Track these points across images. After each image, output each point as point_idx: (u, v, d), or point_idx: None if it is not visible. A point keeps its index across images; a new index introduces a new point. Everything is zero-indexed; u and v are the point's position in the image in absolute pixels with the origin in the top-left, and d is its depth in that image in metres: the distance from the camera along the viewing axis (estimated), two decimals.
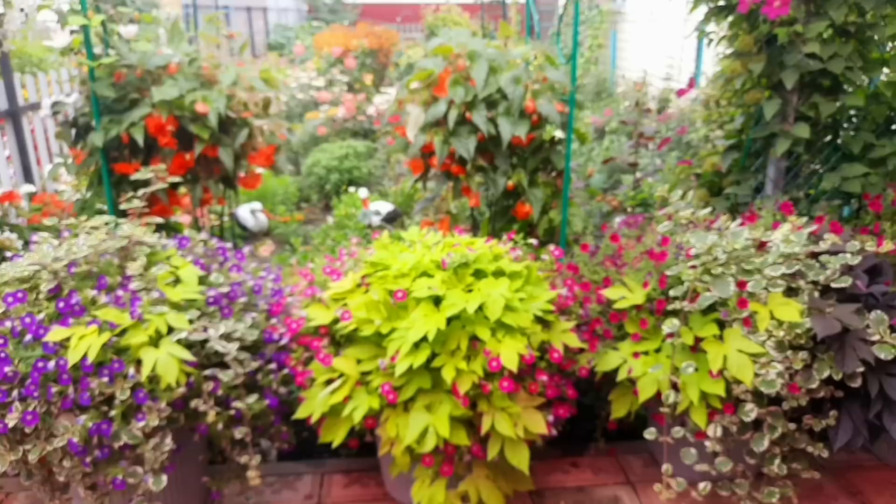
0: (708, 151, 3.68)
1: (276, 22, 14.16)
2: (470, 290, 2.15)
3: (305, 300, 2.39)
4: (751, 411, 2.04)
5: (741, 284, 2.14)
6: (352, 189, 5.75)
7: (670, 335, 2.15)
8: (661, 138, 4.23)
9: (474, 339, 2.09)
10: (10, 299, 1.99)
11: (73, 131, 2.59)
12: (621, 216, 4.15)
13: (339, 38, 8.29)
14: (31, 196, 4.40)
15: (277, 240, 5.27)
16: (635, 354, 2.27)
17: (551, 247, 2.69)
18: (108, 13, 2.46)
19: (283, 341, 2.32)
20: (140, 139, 2.47)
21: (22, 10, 2.64)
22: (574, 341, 2.22)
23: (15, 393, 1.89)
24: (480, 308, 2.06)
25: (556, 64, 2.91)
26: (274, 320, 2.35)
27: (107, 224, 2.19)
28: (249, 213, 4.37)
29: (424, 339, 2.01)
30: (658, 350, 2.26)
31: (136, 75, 2.53)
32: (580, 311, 2.43)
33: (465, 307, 2.04)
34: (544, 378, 2.14)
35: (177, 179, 2.45)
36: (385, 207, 4.60)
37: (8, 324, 1.97)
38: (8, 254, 2.51)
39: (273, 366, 2.29)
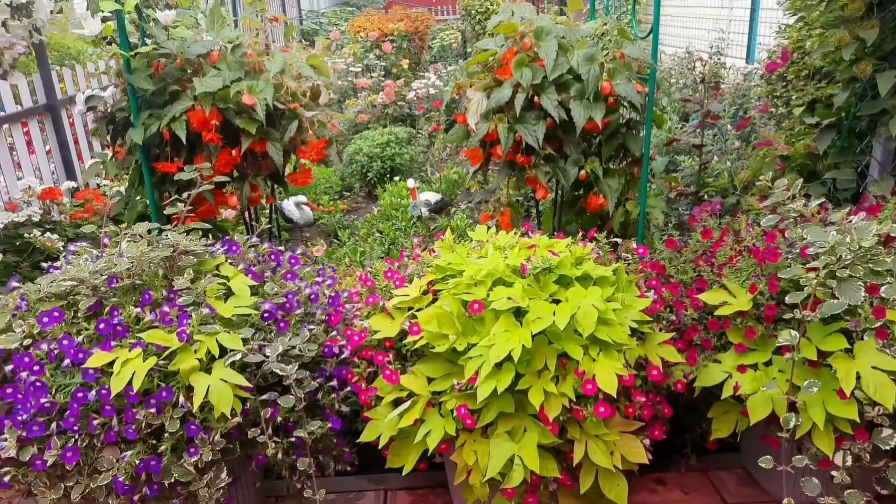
0: (788, 131, 3.28)
1: (309, 8, 13.83)
2: (555, 300, 1.84)
3: (366, 308, 2.11)
4: (889, 438, 1.70)
5: (872, 289, 1.78)
6: (396, 178, 5.46)
7: (787, 348, 1.82)
8: (726, 116, 3.82)
9: (563, 357, 1.78)
10: (45, 319, 1.74)
11: (111, 127, 2.33)
12: (686, 202, 3.77)
13: (375, 23, 7.95)
14: (74, 192, 4.20)
15: (322, 230, 5.01)
16: (741, 368, 1.94)
17: (632, 244, 2.36)
18: None
19: (344, 355, 2.04)
20: (182, 135, 2.20)
21: None
22: (674, 355, 1.90)
23: (53, 426, 1.65)
24: (570, 321, 1.75)
25: (632, 38, 2.55)
26: (333, 332, 2.07)
27: (150, 232, 1.93)
28: (294, 205, 4.10)
29: (508, 358, 1.71)
30: (769, 363, 1.92)
31: (175, 65, 2.25)
32: (671, 317, 2.11)
33: (553, 321, 1.73)
34: (641, 399, 1.82)
35: (222, 180, 2.17)
36: (433, 197, 4.29)
37: (44, 346, 1.73)
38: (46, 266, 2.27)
39: (334, 383, 2.02)
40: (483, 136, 2.51)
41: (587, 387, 1.71)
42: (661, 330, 2.03)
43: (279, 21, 2.48)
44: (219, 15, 2.40)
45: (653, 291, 2.16)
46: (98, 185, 3.97)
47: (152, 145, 2.36)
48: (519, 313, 1.82)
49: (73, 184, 4.12)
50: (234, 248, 2.08)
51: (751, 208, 2.85)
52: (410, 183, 4.18)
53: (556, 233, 2.89)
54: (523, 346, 1.70)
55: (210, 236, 2.46)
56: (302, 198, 4.13)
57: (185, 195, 2.07)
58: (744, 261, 2.09)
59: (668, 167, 4.53)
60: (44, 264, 2.07)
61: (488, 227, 2.34)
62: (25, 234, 3.61)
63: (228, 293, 1.90)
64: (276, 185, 2.62)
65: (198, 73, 2.29)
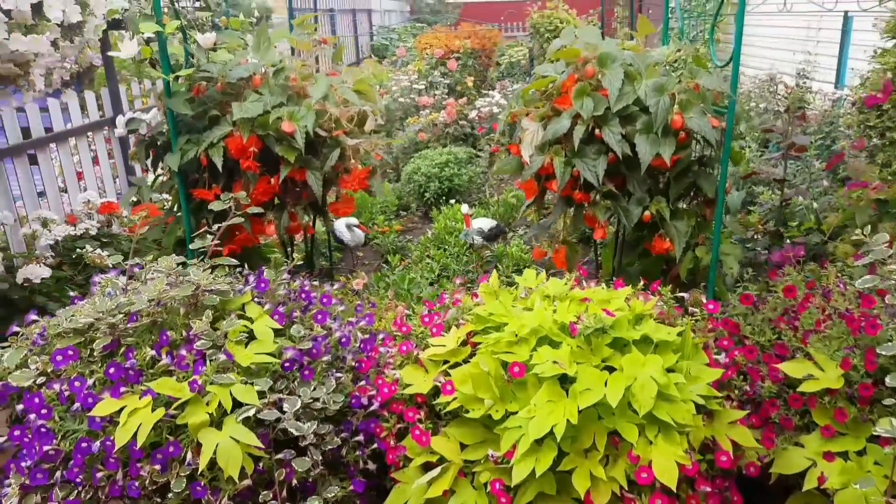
0: (884, 168, 2.92)
1: (380, 24, 13.95)
2: (607, 367, 1.61)
3: (400, 357, 1.93)
4: None
5: None
6: (453, 200, 5.30)
7: (887, 441, 1.52)
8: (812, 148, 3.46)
9: (614, 434, 1.55)
10: (58, 357, 1.64)
11: (151, 151, 2.26)
12: (764, 242, 3.43)
13: (442, 40, 7.85)
14: (134, 205, 4.23)
15: (375, 251, 4.90)
16: (827, 455, 1.65)
17: (702, 297, 2.10)
18: (186, 18, 2.10)
19: (373, 406, 1.87)
20: (219, 162, 2.10)
21: (103, 15, 2.33)
22: (747, 438, 1.63)
23: (58, 475, 1.54)
24: (624, 395, 1.52)
25: (708, 67, 2.29)
26: (363, 381, 1.90)
27: (175, 267, 1.82)
28: (346, 227, 3.99)
29: (550, 433, 1.50)
30: (862, 453, 1.63)
31: (216, 89, 2.15)
32: (745, 387, 1.83)
33: (604, 395, 1.50)
34: (706, 488, 1.56)
35: (257, 211, 2.05)
36: (487, 224, 4.10)
37: (56, 386, 1.63)
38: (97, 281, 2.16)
39: (360, 438, 1.85)
40: (537, 169, 2.30)
41: (642, 474, 1.47)
42: (732, 403, 1.76)
43: (328, 43, 2.35)
44: (265, 37, 2.29)
45: (724, 354, 1.89)
46: (151, 200, 3.96)
47: (190, 171, 2.28)
48: (565, 379, 1.60)
49: (135, 196, 4.14)
50: (262, 284, 1.95)
51: (836, 257, 2.52)
52: (464, 209, 4.00)
53: (615, 276, 2.64)
54: (568, 421, 1.48)
55: (247, 265, 2.35)
56: (353, 220, 4.01)
57: (217, 227, 1.95)
58: (834, 327, 1.80)
59: (745, 200, 4.18)
60: (96, 278, 2.00)
61: (537, 272, 2.12)
62: (78, 249, 3.64)
63: (251, 337, 1.76)
64: (316, 215, 2.49)
65: (239, 97, 2.18)
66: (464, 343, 1.87)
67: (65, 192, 4.18)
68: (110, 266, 3.42)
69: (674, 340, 1.69)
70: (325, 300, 2.03)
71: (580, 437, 1.53)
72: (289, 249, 2.65)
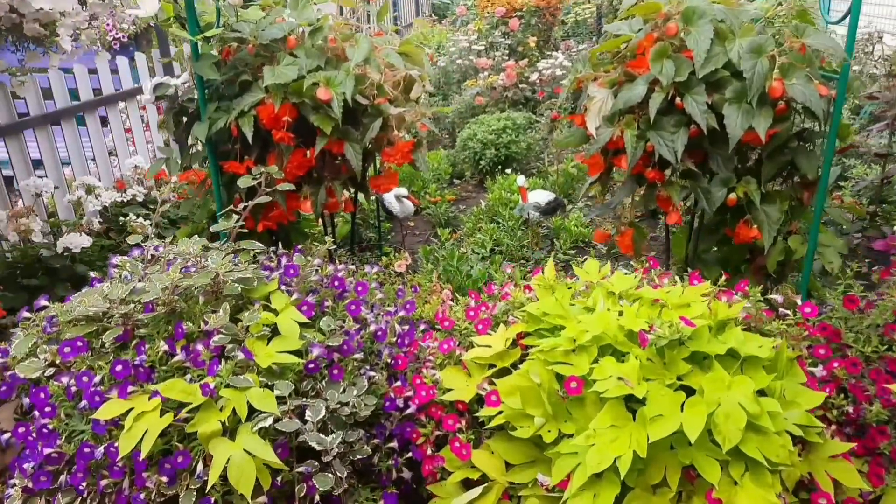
0: None
1: None
2: (683, 387, 1.34)
3: (441, 355, 1.71)
4: None
5: None
6: (509, 170, 5.01)
7: None
8: None
9: (690, 469, 1.29)
10: (66, 349, 1.50)
11: (181, 119, 2.08)
12: (859, 225, 3.03)
13: None
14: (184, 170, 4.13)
15: (427, 221, 4.69)
16: None
17: (796, 297, 1.78)
18: None
19: (410, 409, 1.67)
20: (249, 134, 1.90)
21: None
22: (851, 477, 1.34)
23: (62, 478, 1.41)
24: (705, 424, 1.25)
25: (814, 24, 1.92)
26: (399, 382, 1.70)
27: (196, 251, 1.64)
28: (395, 198, 3.77)
29: (612, 464, 1.25)
30: None
31: (248, 51, 1.94)
32: (846, 406, 1.53)
33: (680, 424, 1.24)
34: None
35: (289, 188, 1.85)
36: (544, 197, 3.80)
37: (65, 380, 1.49)
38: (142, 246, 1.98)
39: (395, 444, 1.66)
40: (604, 143, 2.00)
41: None
42: (830, 427, 1.47)
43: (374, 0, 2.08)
44: None
45: (820, 366, 1.60)
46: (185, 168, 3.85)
47: (221, 141, 2.09)
48: (631, 398, 1.35)
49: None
50: (291, 271, 1.75)
51: None
52: (520, 180, 3.71)
53: (688, 265, 2.34)
54: (635, 453, 1.23)
55: (282, 244, 2.16)
56: (402, 190, 3.79)
57: (243, 206, 1.76)
58: None
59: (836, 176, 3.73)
60: (114, 260, 1.86)
61: (601, 262, 1.85)
62: (123, 217, 3.56)
63: (275, 331, 1.57)
64: (356, 190, 2.28)
65: (273, 60, 1.97)
66: (513, 344, 1.63)
67: (114, 156, 4.12)
68: (150, 236, 3.34)
69: (766, 356, 1.40)
70: (359, 288, 1.83)
71: (648, 469, 1.28)
72: (329, 225, 2.45)
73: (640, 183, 2.16)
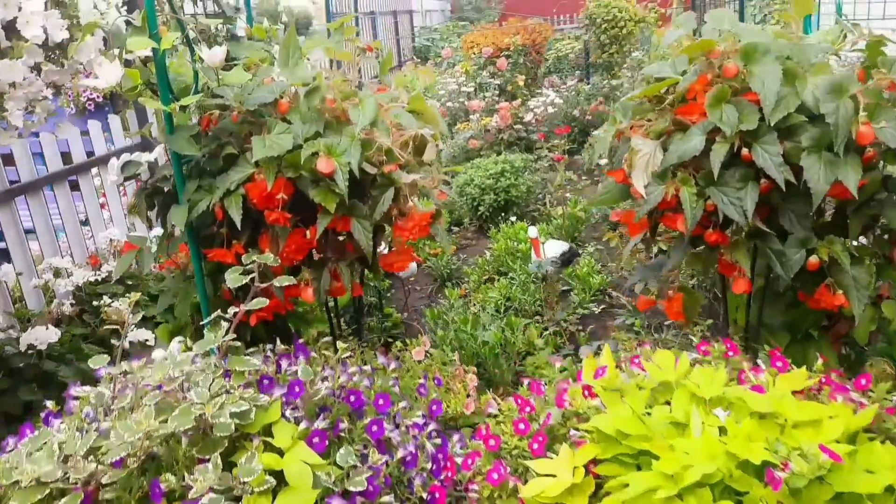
0: None
1: (421, 25, 13.41)
2: None
3: (488, 488, 1.36)
4: None
5: None
6: (513, 218, 4.72)
7: None
8: None
9: None
10: None
11: (154, 200, 1.74)
12: None
13: (490, 37, 7.24)
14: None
15: (429, 275, 4.37)
16: None
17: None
18: (193, 27, 1.57)
19: None
20: (237, 217, 1.58)
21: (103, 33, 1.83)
22: None
23: None
24: None
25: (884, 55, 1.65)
26: None
27: (174, 376, 1.29)
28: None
29: None
30: None
31: (232, 119, 1.63)
32: None
33: None
34: None
35: (288, 282, 1.51)
36: (558, 248, 3.49)
37: None
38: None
39: None
40: (657, 202, 1.70)
41: None
42: None
43: (372, 51, 1.81)
44: (294, 46, 1.76)
45: None
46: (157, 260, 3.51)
47: (204, 224, 1.76)
48: None
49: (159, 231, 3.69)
50: (296, 389, 1.41)
51: None
52: (532, 232, 3.40)
53: (747, 333, 2.02)
54: None
55: (279, 336, 1.82)
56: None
57: (233, 312, 1.42)
58: None
59: None
60: (73, 390, 1.49)
61: (652, 345, 1.53)
62: (100, 295, 3.20)
63: (281, 477, 1.22)
64: (364, 269, 1.95)
65: (262, 128, 1.65)
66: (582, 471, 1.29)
67: (86, 226, 3.76)
68: (129, 323, 2.97)
69: None
70: (380, 402, 1.48)
71: None
72: (329, 323, 2.11)
73: (695, 244, 1.85)
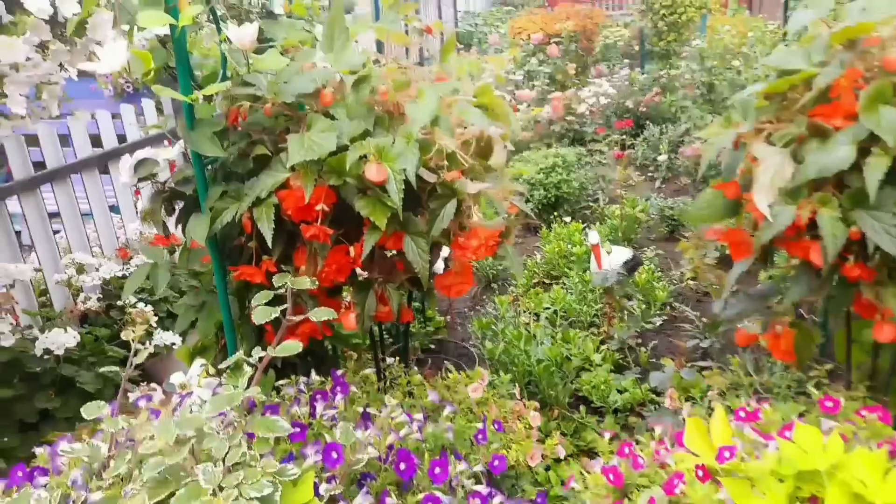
0: None
1: (464, 10, 12.98)
2: None
3: None
4: None
5: None
6: (568, 219, 4.37)
7: None
8: None
9: None
10: None
11: (173, 206, 1.46)
12: None
13: (538, 23, 6.84)
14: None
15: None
16: None
17: None
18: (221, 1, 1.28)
19: None
20: (268, 231, 1.29)
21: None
22: None
23: None
24: None
25: None
26: None
27: (183, 454, 1.00)
28: (441, 260, 3.15)
29: None
30: None
31: (264, 113, 1.33)
32: None
33: None
34: None
35: (327, 315, 1.22)
36: (622, 256, 3.14)
37: None
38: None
39: None
40: (783, 228, 1.35)
41: None
42: None
43: (432, 32, 1.51)
44: (341, 26, 1.45)
45: None
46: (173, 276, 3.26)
47: (230, 236, 1.48)
48: None
49: None
50: (333, 455, 1.12)
51: None
52: (593, 237, 3.04)
53: (876, 382, 1.66)
54: None
55: (313, 359, 1.55)
56: (445, 250, 3.15)
57: (259, 357, 1.13)
58: None
59: None
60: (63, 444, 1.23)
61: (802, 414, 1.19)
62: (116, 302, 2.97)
63: None
64: (415, 290, 1.65)
65: (300, 123, 1.36)
66: None
67: (116, 213, 3.54)
68: (154, 328, 2.74)
69: None
70: (437, 471, 1.18)
71: None
72: (373, 349, 1.82)
73: (820, 276, 1.50)
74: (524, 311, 3.39)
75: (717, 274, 2.62)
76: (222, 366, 1.11)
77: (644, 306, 3.29)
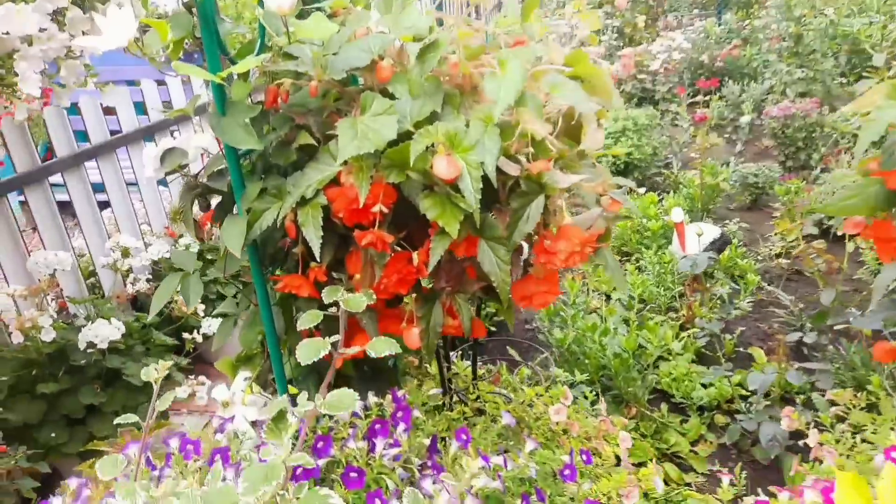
0: None
1: None
2: None
3: None
4: None
5: None
6: (642, 189, 4.00)
7: None
8: None
9: None
10: None
11: (204, 202, 1.24)
12: None
13: None
14: None
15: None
16: None
17: None
18: None
19: None
20: (315, 239, 1.04)
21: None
22: None
23: None
24: None
25: None
26: None
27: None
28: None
29: None
30: None
31: (309, 92, 1.07)
32: None
33: None
34: None
35: (388, 350, 0.97)
36: (710, 234, 2.80)
37: None
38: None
39: None
40: None
41: None
42: None
43: None
44: None
45: None
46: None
47: (272, 239, 1.25)
48: None
49: None
50: None
51: None
52: (677, 215, 2.71)
53: None
54: None
55: (372, 382, 1.33)
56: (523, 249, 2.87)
57: (302, 412, 0.90)
58: None
59: None
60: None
61: None
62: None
63: None
64: (489, 299, 1.39)
65: (351, 104, 1.10)
66: None
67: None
68: (200, 320, 2.57)
69: None
70: None
71: None
72: (440, 376, 1.58)
73: None
74: (595, 292, 3.11)
75: (827, 259, 2.27)
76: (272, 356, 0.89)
77: (723, 284, 2.94)
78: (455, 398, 1.58)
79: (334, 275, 1.26)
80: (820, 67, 4.81)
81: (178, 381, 2.38)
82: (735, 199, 4.30)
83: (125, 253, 2.54)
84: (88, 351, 2.13)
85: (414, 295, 1.29)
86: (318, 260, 1.12)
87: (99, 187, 2.87)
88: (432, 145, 1.04)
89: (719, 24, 6.38)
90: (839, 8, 4.96)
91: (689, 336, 2.79)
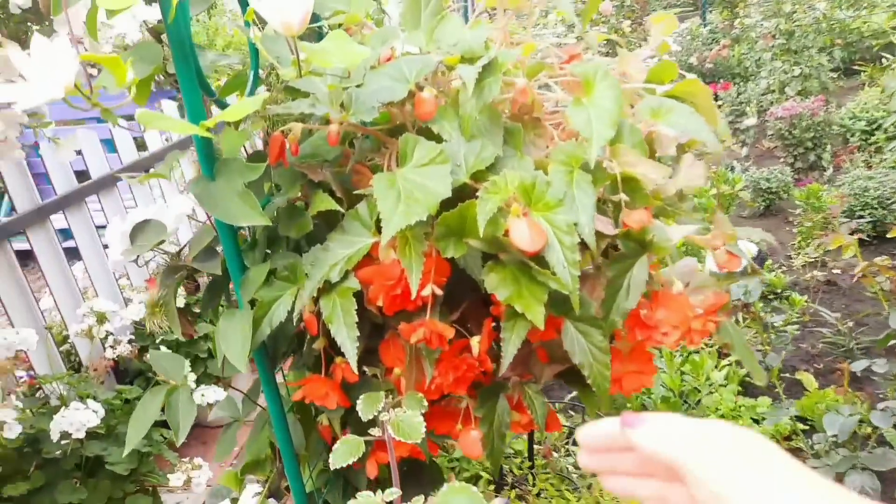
0: None
1: None
2: None
3: None
4: None
5: None
6: None
7: None
8: None
9: None
10: None
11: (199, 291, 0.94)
12: None
13: None
14: None
15: None
16: None
17: None
18: None
19: None
20: (349, 343, 0.74)
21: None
22: None
23: None
24: None
25: None
26: None
27: None
28: None
29: None
30: None
31: (327, 139, 0.77)
32: None
33: None
34: None
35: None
36: (745, 250, 2.52)
37: None
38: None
39: None
40: None
41: None
42: None
43: None
44: None
45: None
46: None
47: (283, 333, 0.94)
48: None
49: None
50: None
51: None
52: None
53: None
54: None
55: (413, 486, 1.01)
56: None
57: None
58: None
59: None
60: None
61: None
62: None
63: None
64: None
65: (380, 150, 0.80)
66: None
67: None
68: (191, 387, 2.24)
69: None
70: None
71: None
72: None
73: None
74: None
75: (891, 277, 2.00)
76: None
77: (770, 309, 2.68)
78: (513, 490, 1.27)
79: (366, 370, 0.96)
80: (814, 63, 4.61)
81: (169, 461, 2.05)
82: (747, 206, 4.07)
83: (101, 319, 2.21)
84: (63, 442, 1.79)
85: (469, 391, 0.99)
86: (351, 363, 0.82)
87: (68, 233, 2.54)
88: (501, 210, 0.75)
89: (704, 25, 6.20)
90: (833, 2, 4.78)
91: (730, 366, 2.52)
